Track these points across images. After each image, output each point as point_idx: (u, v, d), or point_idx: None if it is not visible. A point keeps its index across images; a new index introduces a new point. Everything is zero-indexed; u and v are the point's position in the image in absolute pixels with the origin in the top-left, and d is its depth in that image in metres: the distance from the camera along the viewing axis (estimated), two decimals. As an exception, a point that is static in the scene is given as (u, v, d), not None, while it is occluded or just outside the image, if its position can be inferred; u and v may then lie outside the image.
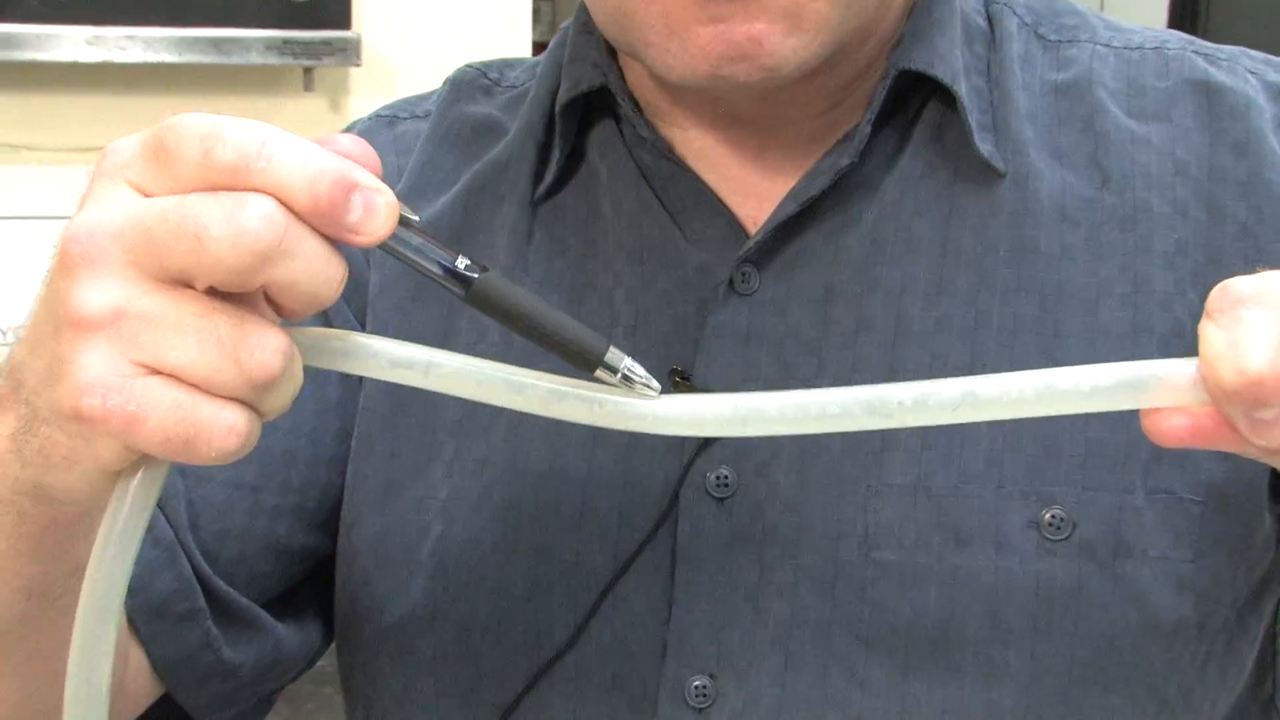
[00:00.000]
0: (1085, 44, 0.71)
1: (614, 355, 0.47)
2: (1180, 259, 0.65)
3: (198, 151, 0.42)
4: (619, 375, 0.47)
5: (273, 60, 2.07)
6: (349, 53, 2.12)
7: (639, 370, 0.47)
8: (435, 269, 0.46)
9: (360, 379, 0.71)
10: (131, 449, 0.44)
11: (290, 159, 0.42)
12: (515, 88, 0.78)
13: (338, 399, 0.71)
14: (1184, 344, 0.64)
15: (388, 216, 0.44)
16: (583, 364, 0.47)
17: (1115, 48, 0.71)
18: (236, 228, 0.41)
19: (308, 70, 2.15)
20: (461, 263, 0.46)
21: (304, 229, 0.43)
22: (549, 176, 0.71)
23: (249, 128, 0.43)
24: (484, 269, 0.46)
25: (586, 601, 0.65)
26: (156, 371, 0.43)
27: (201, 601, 0.67)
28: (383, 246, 0.45)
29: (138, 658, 0.66)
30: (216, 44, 2.07)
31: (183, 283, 0.43)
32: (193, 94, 2.14)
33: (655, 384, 0.48)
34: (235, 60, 2.06)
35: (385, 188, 0.44)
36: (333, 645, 0.76)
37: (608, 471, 0.66)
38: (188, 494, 0.68)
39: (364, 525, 0.70)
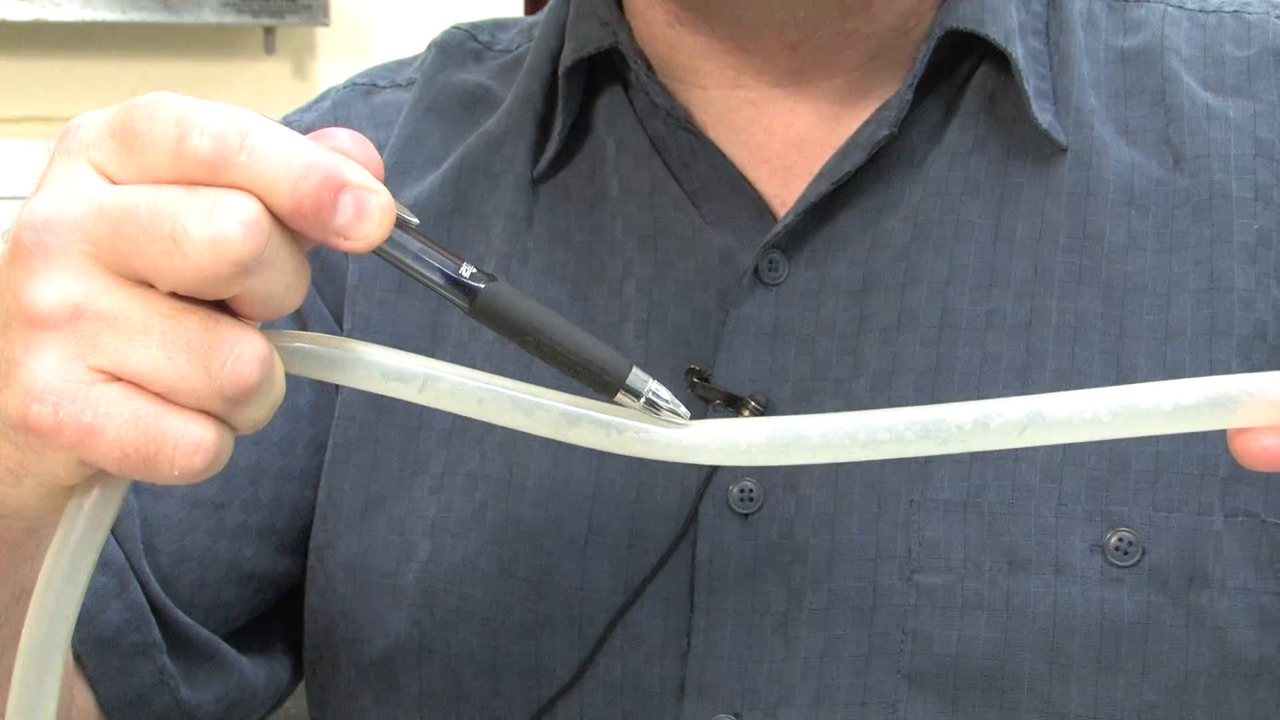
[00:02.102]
0: (1156, 4, 0.71)
1: (637, 378, 0.47)
2: (1263, 251, 0.65)
3: (171, 138, 0.42)
4: (642, 400, 0.47)
5: (229, 18, 2.08)
6: (315, 10, 2.12)
7: (665, 395, 0.47)
8: (436, 278, 0.46)
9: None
10: (86, 464, 0.44)
11: (273, 152, 0.42)
12: (509, 52, 0.78)
13: (311, 405, 0.71)
14: (1266, 347, 0.63)
15: (381, 219, 0.44)
16: (602, 387, 0.47)
17: (1190, 10, 0.71)
18: (217, 233, 0.41)
19: (269, 30, 2.15)
20: (466, 271, 0.46)
21: (284, 234, 0.43)
22: (550, 151, 0.71)
23: (229, 114, 0.42)
24: (491, 278, 0.46)
25: (593, 633, 0.65)
26: (116, 378, 0.43)
27: (156, 633, 0.67)
28: (377, 252, 0.45)
29: (84, 697, 0.66)
30: None
31: (145, 284, 0.43)
32: (139, 56, 2.15)
33: (684, 410, 0.48)
34: (187, 18, 2.07)
35: (380, 187, 0.44)
36: (302, 684, 0.77)
37: (617, 486, 0.66)
38: (142, 512, 0.67)
39: (340, 547, 0.70)
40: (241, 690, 0.71)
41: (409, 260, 0.46)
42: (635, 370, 0.47)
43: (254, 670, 0.72)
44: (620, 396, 0.47)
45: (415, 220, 0.46)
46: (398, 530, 0.69)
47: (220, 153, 0.42)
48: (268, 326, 0.46)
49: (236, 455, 0.68)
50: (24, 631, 0.46)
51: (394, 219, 0.44)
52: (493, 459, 0.68)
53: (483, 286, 0.46)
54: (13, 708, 0.46)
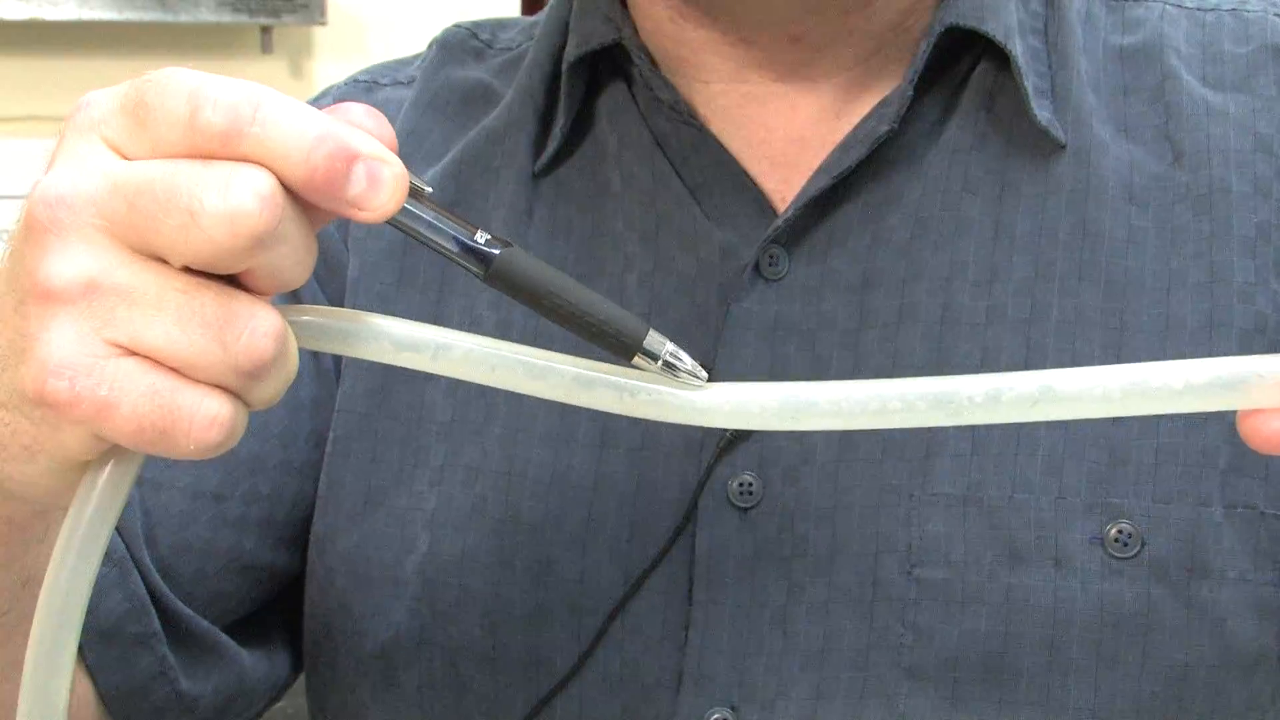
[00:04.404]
0: (1155, 3, 0.72)
1: (654, 340, 0.47)
2: (1262, 245, 0.65)
3: (184, 111, 0.43)
4: (660, 363, 0.47)
5: (226, 17, 2.08)
6: (312, 9, 2.12)
7: (684, 357, 0.47)
8: (451, 246, 0.46)
9: (338, 375, 0.72)
10: (101, 438, 0.44)
11: (285, 124, 0.42)
12: (510, 50, 0.79)
13: (312, 398, 0.72)
14: (1266, 340, 0.64)
15: (394, 189, 0.44)
16: (619, 350, 0.47)
17: (1188, 8, 0.72)
18: (234, 206, 0.42)
19: (265, 29, 2.15)
20: (481, 238, 0.46)
21: (296, 208, 0.43)
22: (552, 145, 0.72)
23: (240, 87, 0.43)
24: (506, 244, 0.46)
25: (592, 625, 0.66)
26: (132, 352, 0.43)
27: (156, 624, 0.67)
28: (391, 222, 0.45)
29: (84, 687, 0.66)
30: (161, -1, 2.07)
31: (159, 259, 0.43)
32: (135, 55, 2.15)
33: (701, 372, 0.48)
34: (183, 18, 2.07)
35: (392, 157, 0.44)
36: (301, 677, 0.77)
37: (617, 478, 0.67)
38: (143, 503, 0.68)
39: (340, 540, 0.70)
40: (241, 682, 0.71)
41: (423, 229, 0.46)
42: (652, 332, 0.47)
43: (254, 662, 0.72)
44: (638, 359, 0.47)
45: (429, 189, 0.46)
46: (397, 523, 0.69)
47: (233, 125, 0.42)
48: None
49: (237, 447, 0.69)
50: (38, 608, 0.46)
51: (407, 188, 0.45)
52: (493, 451, 0.68)
53: (498, 252, 0.46)
54: (28, 681, 0.46)
